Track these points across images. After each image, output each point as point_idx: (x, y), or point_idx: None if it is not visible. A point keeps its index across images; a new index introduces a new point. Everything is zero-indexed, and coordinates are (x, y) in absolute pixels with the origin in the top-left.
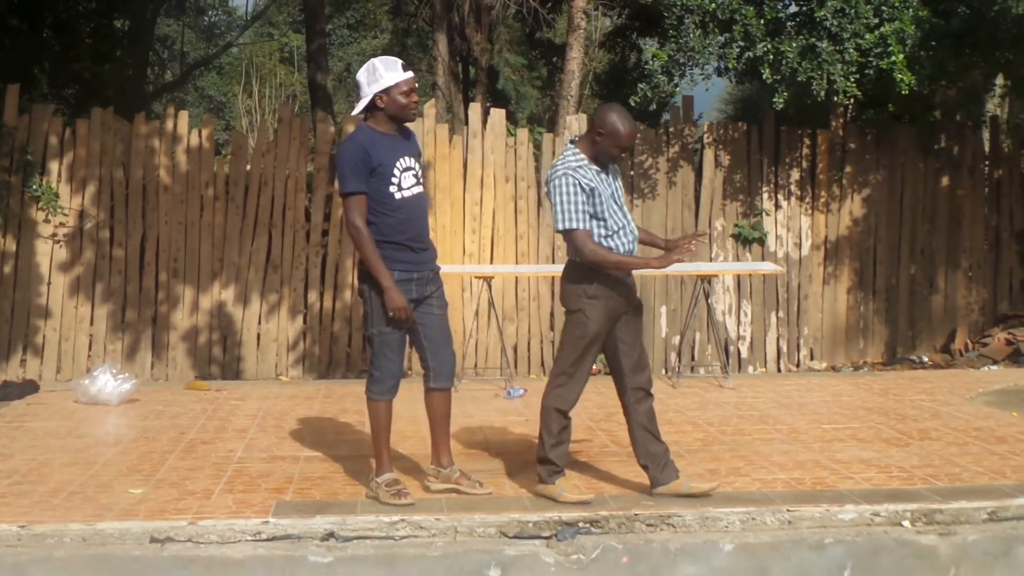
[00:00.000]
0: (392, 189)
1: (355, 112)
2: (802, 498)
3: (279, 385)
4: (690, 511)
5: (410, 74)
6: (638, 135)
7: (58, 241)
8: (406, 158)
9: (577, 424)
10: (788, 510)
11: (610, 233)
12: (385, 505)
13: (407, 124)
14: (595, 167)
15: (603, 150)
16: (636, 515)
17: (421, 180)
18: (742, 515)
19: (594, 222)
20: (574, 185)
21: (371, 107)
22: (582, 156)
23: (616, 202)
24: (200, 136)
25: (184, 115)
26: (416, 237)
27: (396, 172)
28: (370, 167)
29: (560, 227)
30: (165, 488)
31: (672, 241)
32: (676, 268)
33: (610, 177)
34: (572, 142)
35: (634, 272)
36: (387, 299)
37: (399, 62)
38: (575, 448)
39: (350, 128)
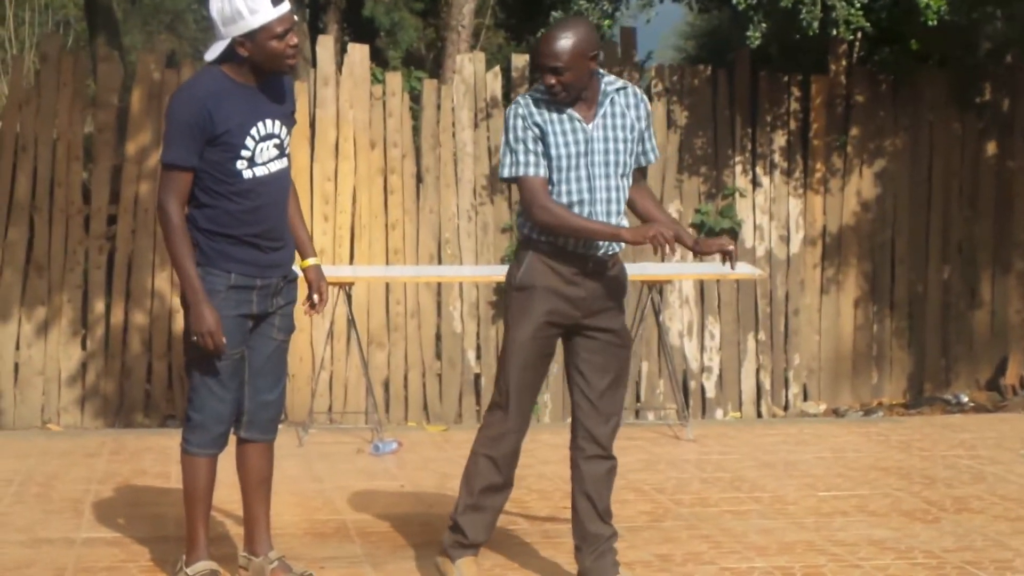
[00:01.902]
0: (240, 165)
1: (208, 57)
2: None
3: (46, 436)
4: None
5: (284, 8)
6: (559, 63)
7: None
8: (269, 121)
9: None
10: None
11: (565, 205)
12: None
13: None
14: (571, 109)
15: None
16: None
17: (287, 151)
18: None
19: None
20: (522, 117)
21: (230, 52)
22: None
23: (593, 167)
24: None
25: None
26: (268, 232)
27: (250, 142)
28: (210, 134)
29: (503, 174)
30: None
31: (706, 242)
32: None
33: (601, 131)
34: None
35: None
36: (193, 317)
37: None
38: (508, 512)
39: (154, 75)
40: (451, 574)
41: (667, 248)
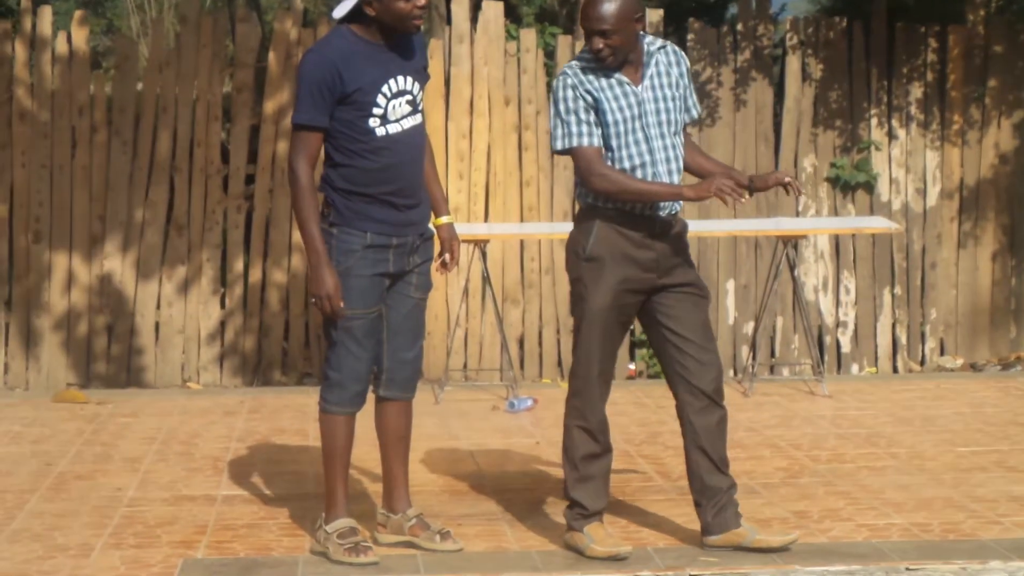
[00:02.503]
0: (373, 123)
1: (336, 14)
2: (928, 551)
3: (187, 395)
4: (770, 569)
5: None
6: (606, 26)
7: None
8: (401, 78)
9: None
10: (908, 568)
11: (623, 171)
12: (337, 564)
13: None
14: (619, 74)
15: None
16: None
17: (420, 107)
18: (843, 575)
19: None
20: (573, 88)
21: (357, 11)
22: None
23: (648, 128)
24: (70, 43)
25: (47, 11)
26: (403, 190)
27: (381, 99)
28: (341, 93)
29: (556, 145)
30: (24, 542)
31: (760, 178)
32: (749, 226)
33: (650, 92)
34: None
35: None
36: (313, 280)
37: None
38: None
39: (291, 33)
40: (582, 542)
41: (734, 197)
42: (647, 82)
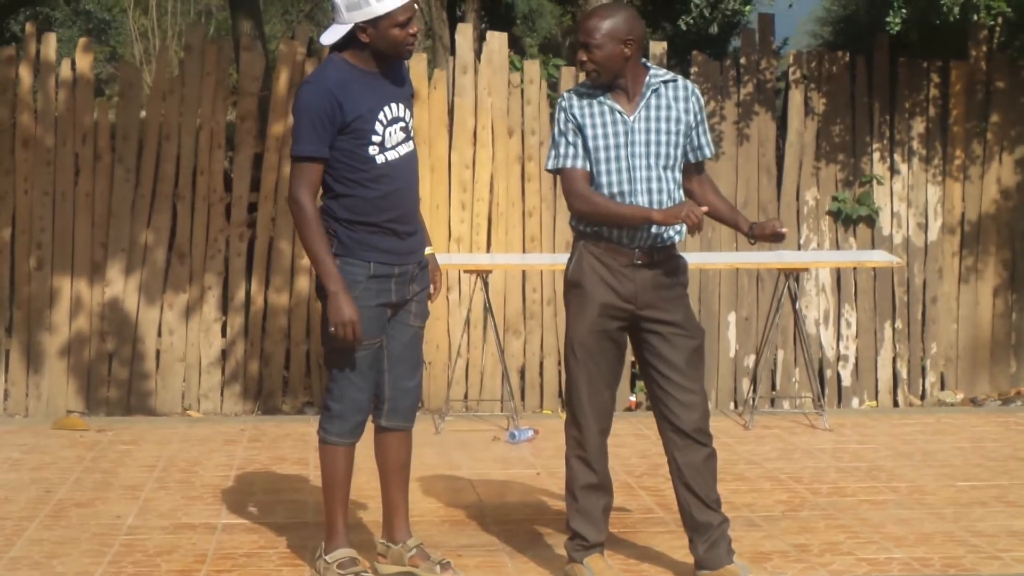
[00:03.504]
0: (372, 151)
1: (325, 40)
2: None
3: (187, 423)
4: None
5: None
6: (590, 39)
7: None
8: (394, 105)
9: (612, 480)
10: None
11: (607, 196)
12: None
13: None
14: (612, 101)
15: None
16: None
17: (412, 134)
18: None
19: None
20: (564, 111)
21: (350, 38)
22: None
23: (633, 158)
24: (74, 69)
25: (51, 38)
26: (404, 216)
27: (379, 127)
28: (341, 122)
29: (547, 165)
30: (23, 570)
31: (759, 225)
32: (751, 259)
33: (642, 123)
34: None
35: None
36: (331, 308)
37: None
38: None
39: (297, 57)
40: (581, 573)
41: (698, 229)
42: (641, 112)
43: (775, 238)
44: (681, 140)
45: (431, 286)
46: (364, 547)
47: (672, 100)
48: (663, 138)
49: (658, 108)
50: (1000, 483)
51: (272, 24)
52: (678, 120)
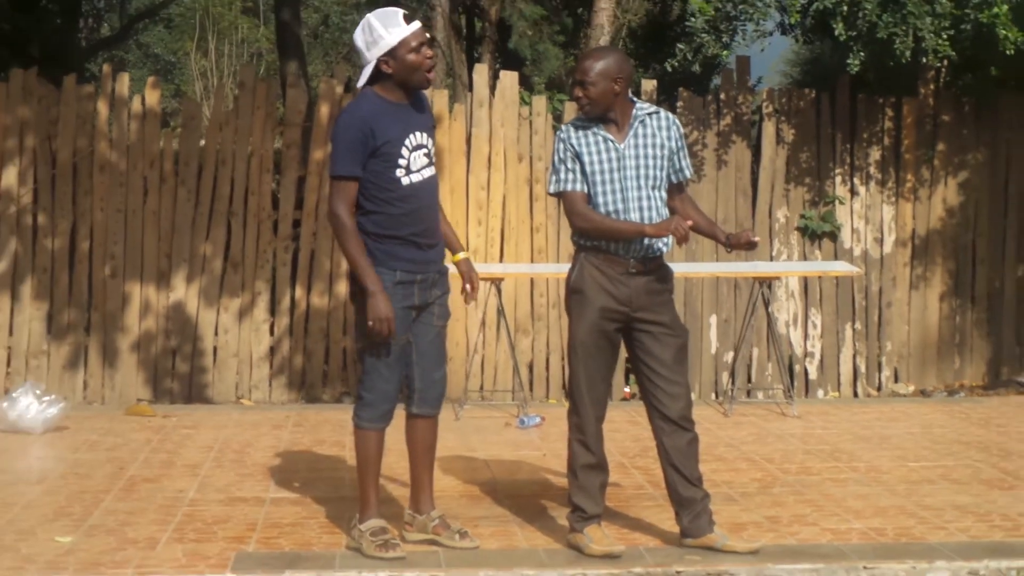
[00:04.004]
0: (399, 173)
1: (359, 83)
2: (883, 552)
3: (240, 411)
4: (746, 567)
5: (416, 25)
6: (585, 77)
7: None
8: (418, 134)
9: (608, 460)
10: (865, 567)
11: (603, 215)
12: (369, 559)
13: (422, 90)
14: (604, 132)
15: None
16: (678, 573)
17: (433, 159)
18: (809, 573)
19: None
20: (563, 141)
21: (378, 73)
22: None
23: (626, 180)
24: (144, 104)
25: (125, 77)
26: (425, 231)
27: (405, 152)
28: (373, 147)
29: (549, 190)
30: (100, 536)
31: (735, 236)
32: (729, 268)
33: (632, 150)
34: None
35: (688, 272)
36: (370, 307)
37: (399, 13)
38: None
39: (336, 92)
40: (582, 541)
41: (685, 240)
42: (630, 140)
43: (749, 246)
44: (665, 163)
45: (468, 285)
46: (393, 518)
47: (656, 129)
48: (650, 162)
49: (644, 136)
50: (946, 463)
51: (314, 64)
52: (662, 146)
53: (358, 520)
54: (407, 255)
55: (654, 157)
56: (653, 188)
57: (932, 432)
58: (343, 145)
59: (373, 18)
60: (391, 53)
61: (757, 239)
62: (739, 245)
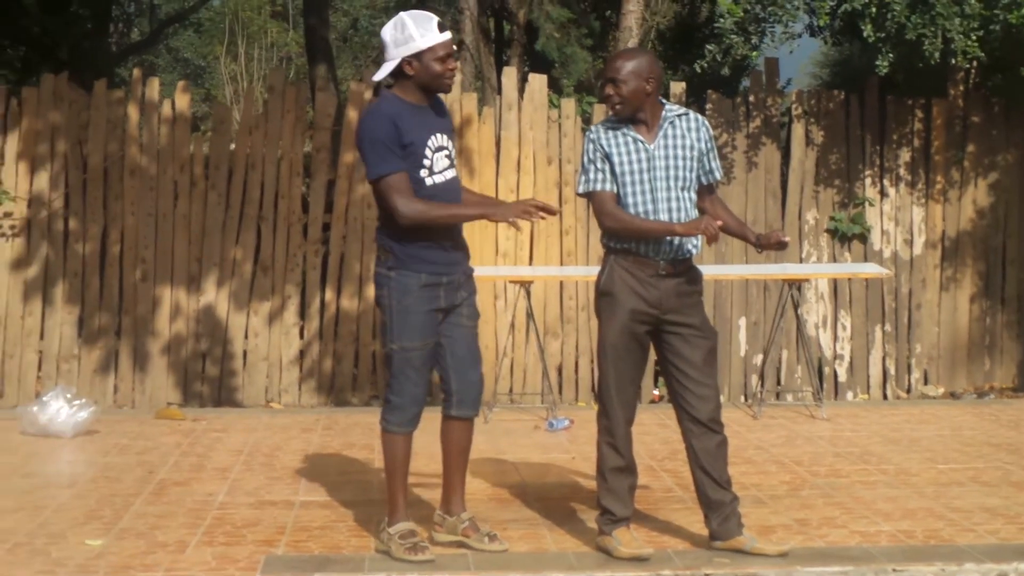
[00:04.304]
0: (423, 173)
1: (376, 77)
2: (911, 555)
3: (270, 414)
4: (775, 570)
5: (447, 35)
6: (617, 76)
7: (2, 235)
8: (439, 135)
9: (637, 463)
10: (894, 570)
11: (633, 215)
12: (398, 561)
13: (440, 95)
14: (634, 132)
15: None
16: (707, 575)
17: (454, 162)
18: (838, 575)
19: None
20: (592, 142)
21: (398, 73)
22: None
23: (655, 180)
24: (173, 108)
25: (155, 82)
26: (448, 233)
27: (428, 152)
28: (399, 144)
29: (579, 190)
30: (130, 539)
31: (765, 236)
32: (759, 271)
33: (662, 150)
34: None
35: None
36: (505, 209)
37: (435, 20)
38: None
39: (365, 95)
40: (610, 544)
41: (715, 240)
42: (660, 141)
43: (779, 246)
44: (695, 164)
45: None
46: (422, 520)
47: (685, 130)
48: (680, 163)
49: (674, 137)
50: (975, 465)
51: (344, 68)
52: (692, 147)
53: (387, 523)
54: (432, 257)
55: (684, 158)
56: (683, 189)
57: (962, 434)
58: (372, 145)
59: (408, 17)
60: (418, 56)
61: (787, 239)
62: (769, 245)
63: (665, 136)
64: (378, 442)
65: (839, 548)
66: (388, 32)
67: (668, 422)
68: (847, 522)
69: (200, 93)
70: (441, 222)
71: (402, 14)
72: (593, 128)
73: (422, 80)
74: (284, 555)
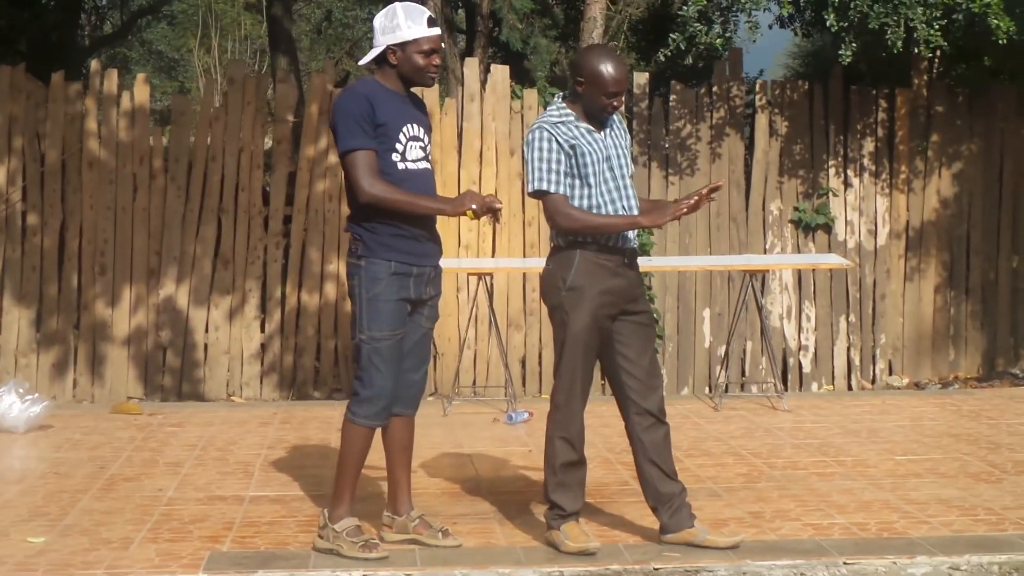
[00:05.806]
0: (395, 157)
1: (362, 62)
2: (864, 548)
3: (228, 408)
4: (724, 564)
5: (436, 31)
6: (630, 80)
7: None
8: (414, 125)
9: (591, 455)
10: (845, 563)
11: (595, 205)
12: (348, 559)
13: (419, 89)
14: (585, 125)
15: (589, 102)
16: (656, 570)
17: (429, 156)
18: (788, 569)
19: (577, 188)
20: (548, 140)
21: (381, 59)
22: (568, 112)
23: (613, 170)
24: (132, 100)
25: (113, 74)
26: (420, 223)
27: (402, 137)
28: (372, 123)
29: (530, 188)
30: (74, 536)
31: (695, 197)
32: (723, 262)
33: (610, 140)
34: (562, 97)
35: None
36: (452, 206)
37: (426, 14)
38: (588, 486)
39: (327, 87)
40: (558, 538)
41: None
42: (607, 132)
43: (712, 192)
44: (629, 156)
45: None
46: (370, 516)
47: (617, 125)
48: (624, 152)
49: (614, 130)
50: (934, 456)
51: (317, 60)
52: (625, 138)
53: (328, 518)
54: (403, 247)
55: (625, 148)
56: (631, 178)
57: (922, 425)
58: (346, 120)
59: (400, 7)
60: (402, 46)
61: (702, 203)
62: (702, 199)
63: (610, 128)
64: (335, 436)
65: (791, 541)
66: (379, 19)
67: None
68: (801, 515)
69: (174, 86)
70: (400, 207)
71: (396, 3)
72: (545, 126)
73: (403, 70)
74: (229, 551)
